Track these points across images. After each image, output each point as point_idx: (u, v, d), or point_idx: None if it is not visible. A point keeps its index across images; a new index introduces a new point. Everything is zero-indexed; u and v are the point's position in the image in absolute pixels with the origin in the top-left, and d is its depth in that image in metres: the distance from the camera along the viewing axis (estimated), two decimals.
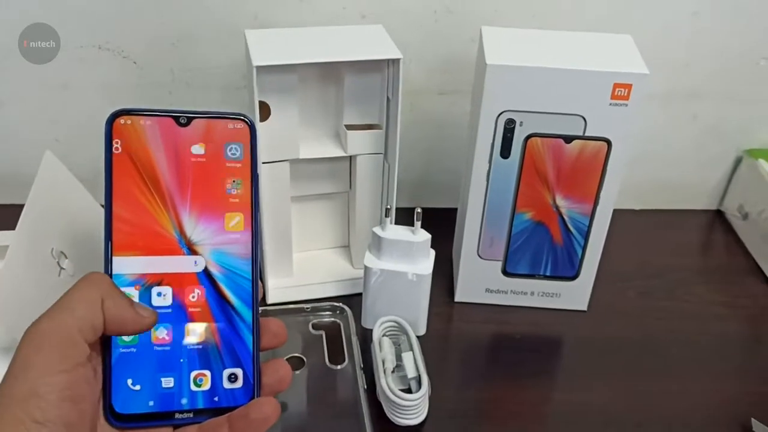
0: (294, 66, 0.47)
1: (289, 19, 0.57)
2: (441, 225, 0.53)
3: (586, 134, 0.47)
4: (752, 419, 0.46)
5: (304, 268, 0.58)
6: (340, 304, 0.54)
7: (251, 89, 0.47)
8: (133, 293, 0.37)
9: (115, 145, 0.37)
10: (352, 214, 0.57)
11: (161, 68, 0.59)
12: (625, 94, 0.45)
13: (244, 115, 0.38)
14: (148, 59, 0.59)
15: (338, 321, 0.53)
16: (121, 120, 0.37)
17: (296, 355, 0.50)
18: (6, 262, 0.44)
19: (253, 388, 0.39)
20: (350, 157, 0.54)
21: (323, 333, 0.52)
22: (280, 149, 0.51)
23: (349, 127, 0.52)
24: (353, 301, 0.54)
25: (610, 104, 0.46)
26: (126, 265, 0.37)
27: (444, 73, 0.61)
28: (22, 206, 0.46)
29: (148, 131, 0.37)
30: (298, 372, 0.48)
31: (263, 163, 0.51)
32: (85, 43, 0.58)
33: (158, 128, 0.37)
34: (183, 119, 0.37)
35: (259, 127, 0.48)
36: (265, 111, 0.49)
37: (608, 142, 0.47)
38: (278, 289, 0.56)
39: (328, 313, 0.54)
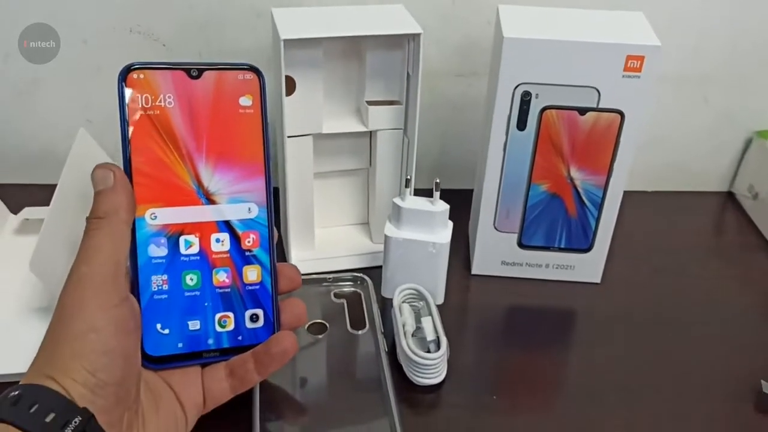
0: (319, 41, 0.49)
1: (313, 0, 0.60)
2: (457, 205, 0.55)
3: (600, 106, 0.49)
4: (762, 381, 0.47)
5: (325, 242, 0.60)
6: (361, 274, 0.56)
7: (278, 64, 0.49)
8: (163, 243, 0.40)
9: (129, 99, 0.38)
10: (372, 190, 0.59)
11: (189, 51, 0.62)
12: (638, 66, 0.47)
13: (252, 66, 0.40)
14: (177, 42, 0.61)
15: (359, 291, 0.55)
16: (134, 74, 0.38)
17: (319, 321, 0.52)
18: (44, 227, 0.46)
19: (273, 326, 0.42)
20: (371, 133, 0.56)
21: (345, 301, 0.54)
22: (305, 123, 0.53)
23: (371, 103, 0.54)
24: (372, 273, 0.56)
25: (623, 76, 0.48)
26: (147, 217, 0.39)
27: (461, 55, 0.63)
28: (55, 186, 0.48)
29: (161, 84, 0.38)
30: (321, 336, 0.50)
31: (288, 137, 0.53)
32: (117, 26, 0.60)
33: (171, 81, 0.38)
34: (194, 71, 0.39)
35: (285, 101, 0.51)
36: (290, 85, 0.51)
37: (621, 114, 0.49)
38: (301, 261, 0.58)
39: (349, 283, 0.55)
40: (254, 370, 0.40)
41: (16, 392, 0.32)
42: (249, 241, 0.41)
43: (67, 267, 0.36)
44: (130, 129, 0.38)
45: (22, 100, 0.64)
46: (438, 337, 0.48)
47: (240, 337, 0.41)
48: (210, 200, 0.40)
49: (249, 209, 0.41)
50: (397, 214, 0.52)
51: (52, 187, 0.48)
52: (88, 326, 0.34)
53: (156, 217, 0.39)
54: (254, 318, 0.41)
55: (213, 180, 0.40)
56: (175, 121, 0.39)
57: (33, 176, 0.65)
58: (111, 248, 0.36)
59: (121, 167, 0.38)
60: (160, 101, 0.38)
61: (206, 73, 0.39)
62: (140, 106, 0.38)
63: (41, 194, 0.57)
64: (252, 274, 0.41)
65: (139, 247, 0.39)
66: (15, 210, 0.61)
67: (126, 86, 0.38)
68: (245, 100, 0.40)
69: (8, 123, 0.66)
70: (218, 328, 0.41)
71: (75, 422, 0.32)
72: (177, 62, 0.39)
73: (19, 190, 0.64)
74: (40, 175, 0.64)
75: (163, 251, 0.39)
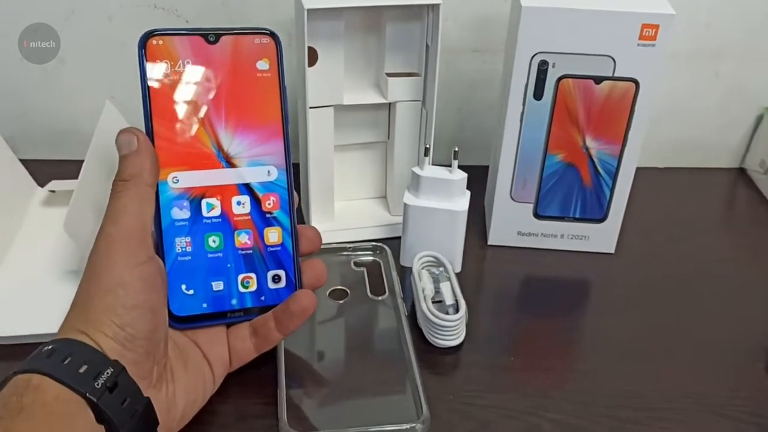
0: (341, 11, 0.51)
1: None
2: (473, 181, 0.55)
3: (616, 75, 0.50)
4: None
5: (344, 214, 0.61)
6: (380, 243, 0.57)
7: (301, 35, 0.50)
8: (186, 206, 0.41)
9: (149, 66, 0.39)
10: (390, 162, 0.61)
11: (212, 26, 0.63)
12: (653, 35, 0.48)
13: (269, 30, 0.41)
14: (200, 18, 0.63)
15: (378, 260, 0.56)
16: (153, 41, 0.39)
17: (339, 287, 0.53)
18: (76, 192, 0.48)
19: (295, 286, 0.43)
20: (390, 105, 0.57)
21: (365, 269, 0.55)
22: (326, 95, 0.54)
23: (390, 75, 0.55)
24: (391, 244, 0.57)
25: (638, 45, 0.49)
26: (169, 180, 0.40)
27: (478, 31, 0.65)
28: (80, 161, 0.49)
29: (180, 50, 0.39)
30: (342, 302, 0.51)
31: (310, 108, 0.54)
32: (141, 3, 0.62)
33: (189, 47, 0.39)
34: (212, 37, 0.40)
35: (307, 72, 0.52)
36: (312, 57, 0.52)
37: (636, 83, 0.50)
38: (321, 232, 0.59)
39: (368, 252, 0.57)
40: (275, 328, 0.41)
41: (50, 346, 0.34)
42: (269, 204, 0.42)
43: (96, 231, 0.37)
44: (151, 95, 0.39)
45: (48, 77, 0.66)
46: (457, 301, 0.49)
47: (263, 297, 0.42)
48: (230, 163, 0.41)
49: (269, 172, 0.42)
50: (416, 183, 0.53)
51: (76, 162, 0.49)
52: (117, 282, 0.35)
53: (178, 180, 0.40)
54: (276, 278, 0.43)
55: (233, 143, 0.41)
56: (194, 86, 0.40)
57: (58, 152, 0.67)
58: (136, 209, 0.37)
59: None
60: (179, 67, 0.39)
61: (223, 38, 0.40)
62: (160, 72, 0.39)
63: (66, 169, 0.58)
64: (273, 235, 0.42)
65: (163, 210, 0.40)
66: (42, 184, 0.62)
67: (146, 53, 0.39)
68: (262, 64, 0.41)
69: (34, 100, 0.67)
70: (241, 289, 0.42)
71: (107, 373, 0.33)
72: (195, 28, 0.40)
73: (45, 165, 0.65)
74: (64, 150, 0.65)
75: (185, 214, 0.40)
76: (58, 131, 0.68)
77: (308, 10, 0.48)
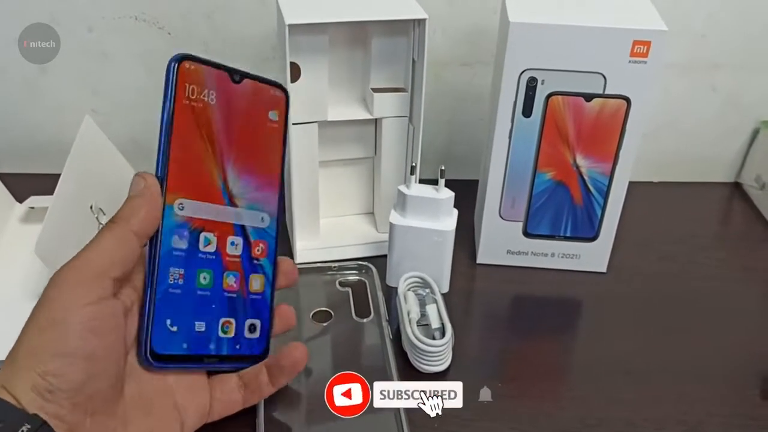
0: (324, 26, 0.49)
1: None
2: (462, 196, 0.54)
3: (606, 92, 0.49)
4: None
5: (330, 231, 0.60)
6: (366, 263, 0.56)
7: (283, 50, 0.49)
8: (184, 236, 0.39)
9: (177, 86, 0.37)
10: (377, 178, 0.59)
11: (195, 39, 0.62)
12: (644, 52, 0.47)
13: (281, 84, 0.42)
14: (183, 30, 0.61)
15: (364, 279, 0.55)
16: (187, 64, 0.38)
17: (323, 309, 0.51)
18: (49, 212, 0.46)
19: (267, 339, 0.42)
20: (376, 120, 0.56)
21: (350, 289, 0.53)
22: (310, 111, 0.53)
23: (376, 90, 0.54)
24: (377, 262, 0.56)
25: (630, 62, 0.47)
26: (176, 205, 0.38)
27: (467, 44, 0.63)
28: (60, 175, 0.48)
29: (207, 80, 0.38)
30: (325, 324, 0.50)
31: (293, 124, 0.52)
32: (123, 14, 0.60)
33: (216, 80, 0.39)
34: (237, 77, 0.40)
35: (290, 88, 0.50)
36: (295, 72, 0.51)
37: (627, 100, 0.49)
38: (306, 250, 0.58)
39: (354, 271, 0.55)
40: (268, 382, 0.41)
41: None
42: (258, 250, 0.42)
43: (71, 253, 0.36)
44: (176, 115, 0.38)
45: (28, 88, 0.64)
46: (443, 325, 0.48)
47: (238, 346, 0.41)
48: (232, 202, 0.40)
49: (262, 218, 0.42)
50: (402, 202, 0.52)
51: (58, 177, 0.48)
52: (50, 322, 0.33)
53: (183, 207, 0.39)
54: (252, 328, 0.42)
55: (237, 183, 0.40)
56: (214, 118, 0.39)
57: (39, 166, 0.65)
58: (109, 248, 0.35)
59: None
60: (204, 96, 0.38)
61: (246, 81, 0.40)
62: (186, 95, 0.38)
63: (47, 183, 0.56)
64: (256, 282, 0.42)
65: (164, 235, 0.38)
66: (21, 199, 0.61)
67: (178, 73, 0.37)
68: (273, 115, 0.41)
69: (14, 112, 0.66)
70: (221, 333, 0.40)
71: (23, 431, 0.30)
72: (225, 64, 0.39)
73: (25, 179, 0.64)
74: (45, 164, 0.64)
75: (183, 244, 0.39)
76: (38, 144, 0.67)
77: (289, 25, 0.46)
